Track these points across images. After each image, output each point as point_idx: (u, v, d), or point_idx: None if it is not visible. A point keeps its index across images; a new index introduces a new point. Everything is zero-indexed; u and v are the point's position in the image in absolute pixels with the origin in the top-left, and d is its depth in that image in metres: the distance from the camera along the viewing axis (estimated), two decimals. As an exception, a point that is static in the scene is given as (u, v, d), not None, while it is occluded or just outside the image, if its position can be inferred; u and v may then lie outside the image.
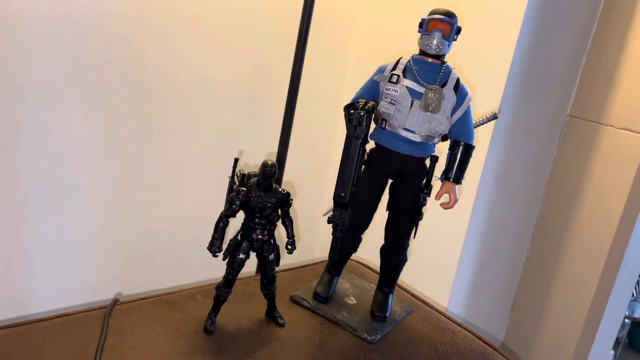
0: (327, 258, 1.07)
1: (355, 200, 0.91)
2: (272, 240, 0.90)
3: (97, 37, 1.09)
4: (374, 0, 1.52)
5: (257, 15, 1.32)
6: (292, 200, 0.90)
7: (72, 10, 1.04)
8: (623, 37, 1.38)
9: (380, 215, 1.00)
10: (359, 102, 0.90)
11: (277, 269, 0.93)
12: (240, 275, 0.90)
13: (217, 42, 1.27)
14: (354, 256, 1.08)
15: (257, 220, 0.87)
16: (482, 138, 1.29)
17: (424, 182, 0.95)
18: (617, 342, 1.93)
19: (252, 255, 0.90)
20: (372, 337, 0.96)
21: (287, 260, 1.04)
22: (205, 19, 1.23)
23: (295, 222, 0.93)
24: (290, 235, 0.91)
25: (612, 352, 1.70)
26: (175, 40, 1.20)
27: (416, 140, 0.91)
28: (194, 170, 1.34)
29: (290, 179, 1.45)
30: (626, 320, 2.08)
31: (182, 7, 1.19)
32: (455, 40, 0.91)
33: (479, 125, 1.00)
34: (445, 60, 0.92)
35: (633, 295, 2.11)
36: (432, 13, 0.89)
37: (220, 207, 0.87)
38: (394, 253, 1.01)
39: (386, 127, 0.92)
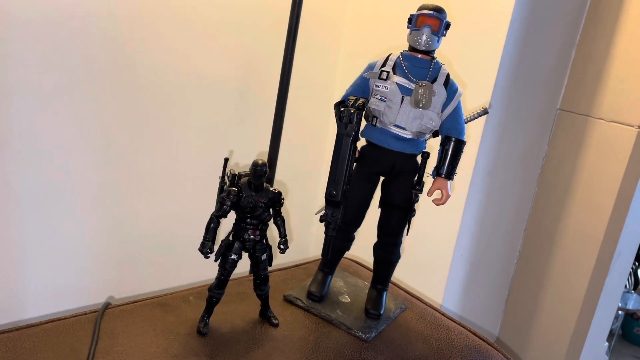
0: (320, 257, 1.07)
1: (348, 198, 0.90)
2: (264, 240, 0.90)
3: (86, 37, 1.08)
4: (363, -3, 1.51)
5: (246, 14, 1.31)
6: (283, 199, 0.89)
7: (61, 10, 1.03)
8: (612, 30, 1.39)
9: (373, 213, 1.00)
10: (349, 99, 0.89)
11: (270, 268, 0.93)
12: (233, 276, 0.90)
13: (206, 41, 1.26)
14: (347, 254, 1.07)
15: (248, 220, 0.87)
16: (474, 133, 1.29)
17: (415, 178, 0.95)
18: (611, 333, 1.94)
19: (245, 255, 0.90)
20: (367, 335, 0.95)
21: (280, 260, 1.04)
22: (194, 19, 1.23)
23: (288, 221, 0.92)
24: (283, 235, 0.90)
25: (606, 343, 1.71)
26: (164, 40, 1.19)
27: (407, 136, 0.91)
28: (185, 170, 1.33)
29: (282, 178, 1.45)
30: (619, 312, 2.10)
31: (171, 7, 1.18)
32: (444, 35, 0.90)
33: (470, 121, 1.00)
34: (434, 55, 0.91)
35: (626, 287, 2.12)
36: (420, 8, 0.89)
37: (212, 207, 0.86)
38: (387, 250, 1.01)
39: (377, 124, 0.92)
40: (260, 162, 0.83)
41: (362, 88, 0.94)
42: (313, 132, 1.59)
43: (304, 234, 1.67)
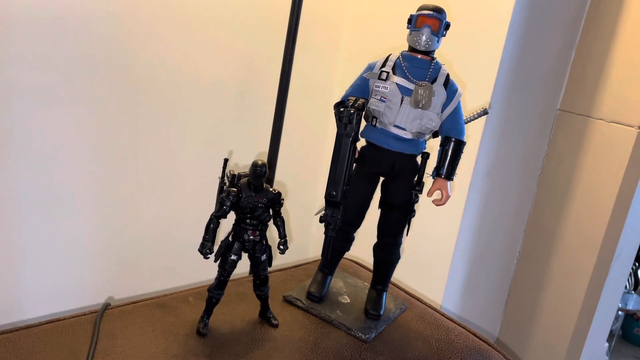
0: (320, 257, 1.07)
1: (347, 199, 0.90)
2: (263, 241, 0.90)
3: (87, 38, 1.08)
4: (363, -3, 1.51)
5: (246, 15, 1.31)
6: (283, 200, 0.89)
7: (60, 11, 1.03)
8: (611, 30, 1.39)
9: (373, 214, 0.99)
10: (349, 99, 0.89)
11: (269, 269, 0.93)
12: (232, 276, 0.90)
13: (206, 41, 1.26)
14: (347, 254, 1.07)
15: (248, 220, 0.87)
16: (474, 134, 1.29)
17: (415, 179, 0.95)
18: (611, 334, 1.94)
19: (245, 256, 0.90)
20: (367, 336, 0.95)
21: (280, 260, 1.04)
22: (194, 19, 1.22)
23: (288, 221, 0.92)
24: (282, 236, 0.90)
25: (606, 344, 1.71)
26: (164, 40, 1.19)
27: (407, 137, 0.91)
28: (184, 171, 1.33)
29: (282, 179, 1.44)
30: (620, 313, 2.10)
31: (171, 7, 1.18)
32: (444, 35, 0.90)
33: (469, 121, 1.00)
34: (434, 56, 0.91)
35: (626, 287, 2.12)
36: (420, 9, 0.89)
37: (211, 208, 0.86)
38: (387, 251, 1.01)
39: (377, 124, 0.92)
40: (259, 162, 0.83)
41: (361, 88, 0.94)
42: (313, 132, 1.59)
43: (303, 235, 1.67)
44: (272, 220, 0.89)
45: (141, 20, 1.15)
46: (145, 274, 1.35)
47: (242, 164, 1.36)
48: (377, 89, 0.90)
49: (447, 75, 0.91)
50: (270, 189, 0.87)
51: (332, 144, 0.88)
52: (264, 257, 0.90)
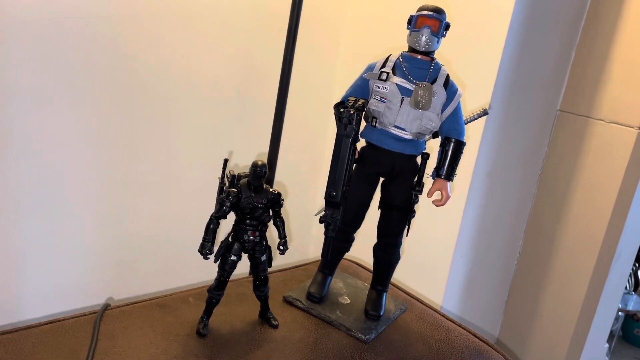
0: (320, 258, 1.07)
1: (347, 199, 0.90)
2: (263, 241, 0.90)
3: (86, 38, 1.08)
4: (363, -3, 1.51)
5: (246, 15, 1.31)
6: (283, 200, 0.89)
7: (59, 11, 1.03)
8: (611, 31, 1.39)
9: (373, 214, 0.99)
10: (348, 100, 0.89)
11: (269, 269, 0.93)
12: (232, 277, 0.90)
13: (206, 41, 1.26)
14: (347, 255, 1.07)
15: (248, 221, 0.87)
16: (474, 134, 1.29)
17: (415, 179, 0.95)
18: (611, 334, 1.94)
19: (244, 256, 0.90)
20: (367, 337, 0.95)
21: (280, 261, 1.04)
22: (194, 19, 1.23)
23: (287, 222, 0.92)
24: (282, 236, 0.90)
25: (607, 345, 1.71)
26: (164, 41, 1.19)
27: (407, 137, 0.91)
28: (184, 171, 1.33)
29: (282, 179, 1.44)
30: (620, 313, 2.10)
31: (170, 7, 1.18)
32: (444, 36, 0.90)
33: (469, 122, 0.99)
34: (434, 56, 0.91)
35: (626, 288, 2.12)
36: (420, 9, 0.89)
37: (211, 208, 0.86)
38: (387, 251, 1.01)
39: (376, 125, 0.92)
40: (259, 162, 0.83)
41: (361, 89, 0.94)
42: (313, 133, 1.59)
43: (303, 235, 1.67)
44: (272, 221, 0.89)
45: (141, 21, 1.15)
46: (145, 275, 1.35)
47: (242, 164, 1.36)
48: (377, 89, 0.90)
49: (447, 76, 0.91)
50: (270, 190, 0.87)
51: (332, 144, 0.88)
52: (263, 257, 0.90)
